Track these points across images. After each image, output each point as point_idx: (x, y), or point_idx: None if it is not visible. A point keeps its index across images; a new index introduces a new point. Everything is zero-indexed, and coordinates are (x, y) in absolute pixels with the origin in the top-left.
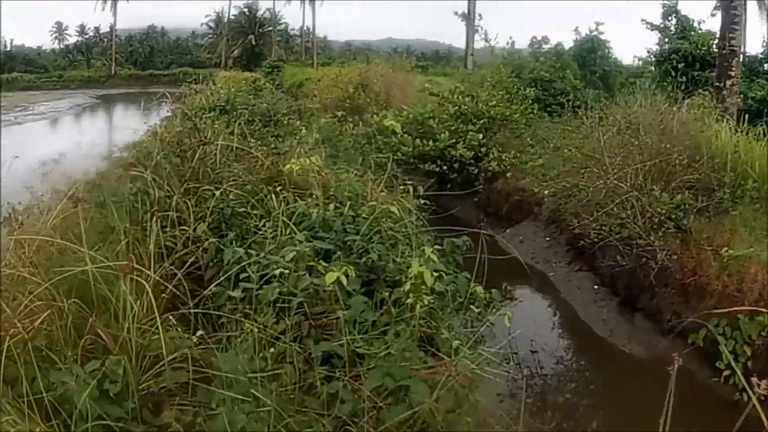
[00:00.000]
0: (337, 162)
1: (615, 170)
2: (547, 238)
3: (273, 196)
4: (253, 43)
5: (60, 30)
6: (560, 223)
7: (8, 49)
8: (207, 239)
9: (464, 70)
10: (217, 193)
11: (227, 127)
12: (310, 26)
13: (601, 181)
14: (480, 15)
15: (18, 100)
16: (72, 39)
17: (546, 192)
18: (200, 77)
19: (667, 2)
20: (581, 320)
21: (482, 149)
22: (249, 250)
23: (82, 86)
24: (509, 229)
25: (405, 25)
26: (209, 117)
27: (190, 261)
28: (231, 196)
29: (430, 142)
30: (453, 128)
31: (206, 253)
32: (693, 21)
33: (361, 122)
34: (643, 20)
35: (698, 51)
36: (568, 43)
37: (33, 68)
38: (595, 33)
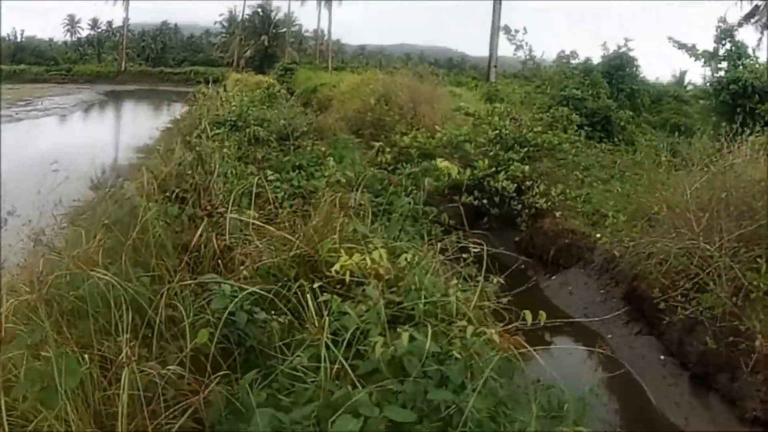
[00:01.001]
0: (384, 224)
1: (699, 227)
2: (601, 291)
3: (309, 296)
4: (266, 44)
5: (72, 23)
6: (616, 273)
7: (18, 40)
8: (210, 377)
9: (482, 81)
10: (227, 285)
11: (238, 149)
12: (324, 29)
13: (689, 242)
14: (525, 29)
15: (24, 94)
16: (84, 32)
17: (598, 236)
18: (210, 79)
19: (722, 25)
20: (651, 402)
21: (527, 182)
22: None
23: (90, 81)
24: (555, 275)
25: (418, 31)
26: (218, 134)
27: None
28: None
29: (467, 171)
30: (491, 154)
31: (210, 408)
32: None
33: (386, 141)
34: (670, 38)
35: (759, 81)
36: (594, 59)
37: (43, 60)
38: (623, 49)
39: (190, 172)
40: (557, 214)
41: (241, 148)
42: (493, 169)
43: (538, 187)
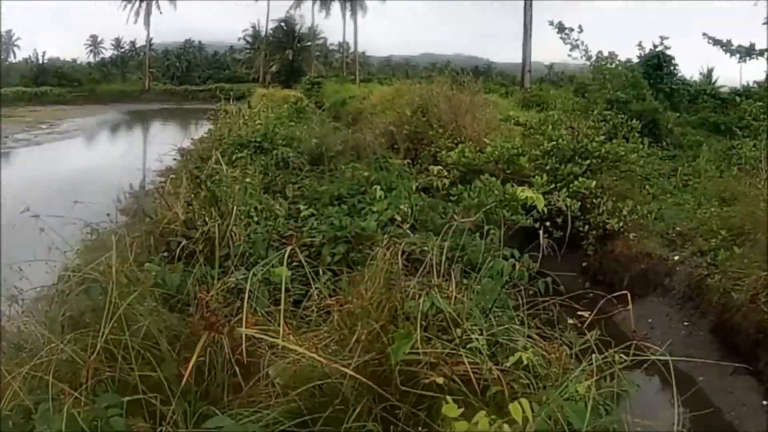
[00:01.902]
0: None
1: None
2: (685, 323)
3: None
4: (291, 58)
5: (95, 43)
6: (701, 302)
7: (41, 62)
8: None
9: (513, 87)
10: None
11: (264, 176)
12: (349, 41)
13: None
14: (580, 27)
15: (45, 116)
16: (108, 52)
17: (676, 257)
18: (233, 96)
19: None
20: None
21: (593, 199)
22: None
23: (114, 101)
24: (631, 306)
25: (442, 40)
26: (240, 158)
27: None
28: None
29: (529, 191)
30: (548, 168)
31: None
32: None
33: (427, 156)
34: (705, 35)
35: None
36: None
37: (66, 81)
38: (660, 48)
39: (201, 215)
40: (631, 236)
41: (268, 173)
42: (553, 185)
43: (605, 204)
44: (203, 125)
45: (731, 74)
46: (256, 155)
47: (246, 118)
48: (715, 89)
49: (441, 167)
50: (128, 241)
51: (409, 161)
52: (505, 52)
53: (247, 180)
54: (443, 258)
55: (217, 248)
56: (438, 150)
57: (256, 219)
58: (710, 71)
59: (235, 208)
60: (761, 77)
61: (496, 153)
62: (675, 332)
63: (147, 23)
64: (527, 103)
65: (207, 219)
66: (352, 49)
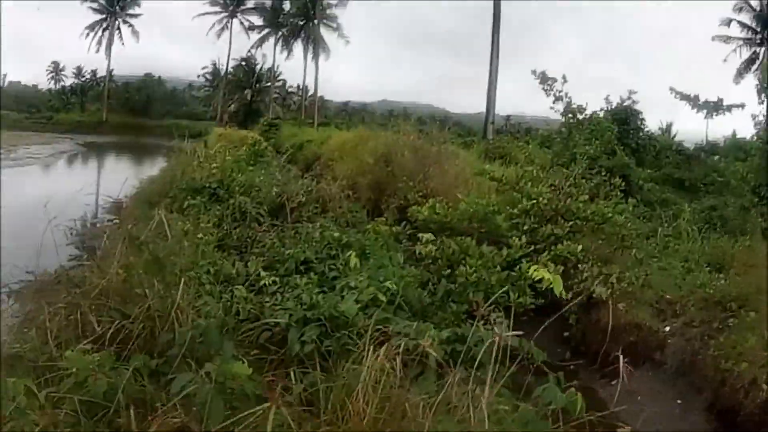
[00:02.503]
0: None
1: None
2: (678, 401)
3: None
4: (250, 98)
5: (56, 70)
6: (696, 378)
7: (1, 85)
8: None
9: (472, 138)
10: None
11: (218, 228)
12: (309, 83)
13: None
14: (564, 77)
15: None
16: (69, 80)
17: (667, 329)
18: (188, 133)
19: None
20: None
21: (578, 264)
22: None
23: (71, 130)
24: (617, 380)
25: (399, 88)
26: (194, 206)
27: None
28: None
29: (503, 251)
30: (525, 228)
31: None
32: None
33: (389, 209)
34: (672, 89)
35: None
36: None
37: (25, 107)
38: (628, 102)
39: (141, 284)
40: (620, 305)
41: (223, 225)
42: (531, 247)
43: (590, 269)
44: (159, 162)
45: (692, 128)
46: (211, 203)
47: (201, 159)
48: (680, 145)
49: (428, 234)
50: (47, 316)
51: (369, 213)
52: (462, 103)
53: (200, 235)
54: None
55: (159, 330)
56: (403, 204)
57: (208, 288)
58: (669, 126)
59: (182, 278)
60: (728, 132)
61: (471, 210)
62: (667, 411)
63: (108, 54)
64: (489, 155)
65: (147, 290)
66: (311, 92)
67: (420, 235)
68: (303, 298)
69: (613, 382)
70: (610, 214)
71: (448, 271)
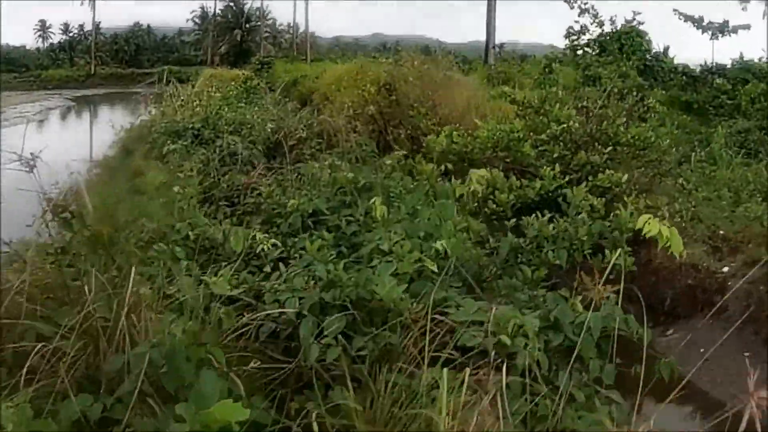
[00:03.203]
0: None
1: None
2: (746, 353)
3: None
4: (240, 39)
5: (44, 28)
6: (762, 326)
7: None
8: None
9: (476, 66)
10: None
11: (205, 175)
12: (299, 21)
13: None
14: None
15: None
16: (57, 37)
17: (726, 270)
18: (180, 78)
19: None
20: None
21: (624, 196)
22: None
23: (60, 86)
24: (673, 329)
25: (392, 21)
26: (174, 150)
27: None
28: None
29: (536, 183)
30: (555, 157)
31: None
32: None
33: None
34: (675, 11)
35: None
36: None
37: (14, 67)
38: (634, 22)
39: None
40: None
41: (210, 172)
42: (566, 178)
43: (635, 202)
44: (151, 110)
45: (691, 54)
46: (195, 147)
47: (183, 100)
48: (686, 67)
49: (478, 172)
50: None
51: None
52: (455, 32)
53: (176, 188)
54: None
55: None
56: (413, 134)
57: (185, 264)
58: (666, 49)
59: (132, 264)
60: (735, 56)
61: (493, 137)
62: (735, 366)
63: (92, 6)
64: (492, 81)
65: (87, 288)
66: (301, 29)
67: (472, 171)
68: (317, 272)
69: (668, 332)
70: (653, 139)
71: (513, 220)
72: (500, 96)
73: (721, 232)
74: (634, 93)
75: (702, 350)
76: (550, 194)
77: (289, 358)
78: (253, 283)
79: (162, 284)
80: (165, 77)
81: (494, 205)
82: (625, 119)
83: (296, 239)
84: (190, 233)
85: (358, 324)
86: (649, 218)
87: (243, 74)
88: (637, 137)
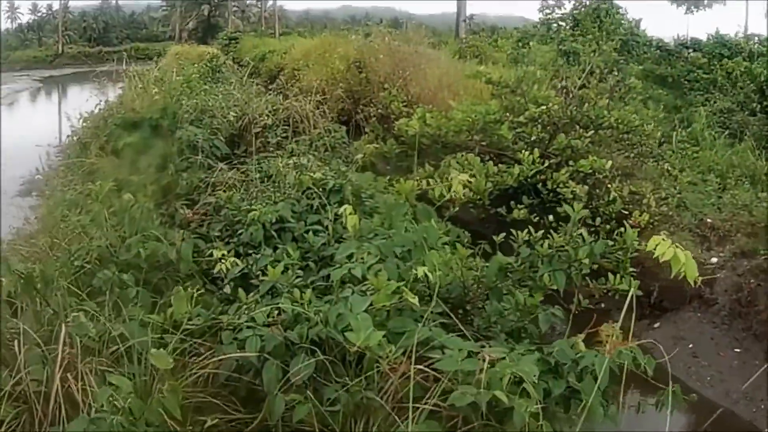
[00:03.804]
0: None
1: None
2: (736, 349)
3: None
4: (208, 13)
5: (12, 9)
6: (754, 320)
7: None
8: None
9: (445, 39)
10: None
11: (161, 171)
12: None
13: None
14: None
15: None
16: (26, 18)
17: (715, 261)
18: (147, 55)
19: None
20: None
21: (607, 183)
22: None
23: (27, 67)
24: (659, 322)
25: None
26: (129, 144)
27: None
28: None
29: (515, 169)
30: (533, 140)
31: None
32: None
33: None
34: None
35: None
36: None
37: None
38: None
39: None
40: (662, 233)
41: (168, 170)
42: (545, 163)
43: (619, 189)
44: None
45: (665, 29)
46: (153, 139)
47: (142, 85)
48: (661, 41)
49: (462, 176)
50: None
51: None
52: (424, 4)
53: (127, 196)
54: None
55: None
56: (384, 113)
57: (135, 293)
58: (638, 22)
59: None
60: (710, 30)
61: (469, 120)
62: (725, 362)
63: None
64: (464, 55)
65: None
66: (270, 3)
67: (454, 173)
68: (281, 303)
69: (655, 325)
70: (637, 122)
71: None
72: (475, 76)
73: (709, 220)
74: (615, 72)
75: (690, 345)
76: (529, 179)
77: (254, 400)
78: (208, 318)
79: (104, 328)
80: (129, 56)
81: (471, 193)
82: (607, 101)
83: (258, 255)
84: (141, 250)
85: (328, 360)
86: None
87: (209, 52)
88: (621, 121)
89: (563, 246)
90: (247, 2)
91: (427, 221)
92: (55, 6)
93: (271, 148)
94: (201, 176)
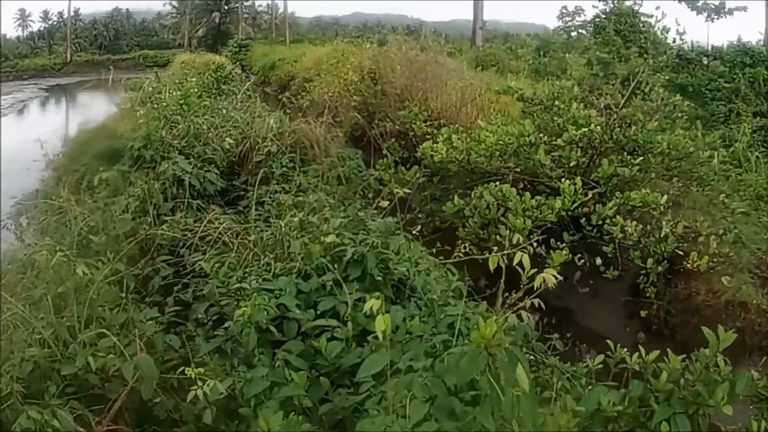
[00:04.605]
0: None
1: None
2: None
3: None
4: (218, 21)
5: (23, 17)
6: None
7: None
8: None
9: (461, 47)
10: None
11: (140, 217)
12: (278, 3)
13: None
14: None
15: None
16: (37, 26)
17: None
18: (156, 63)
19: None
20: None
21: (660, 218)
22: None
23: (36, 75)
24: None
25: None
26: (105, 182)
27: None
28: None
29: (555, 201)
30: (571, 165)
31: None
32: None
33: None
34: None
35: None
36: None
37: None
38: (631, 2)
39: None
40: (724, 279)
41: (149, 212)
42: (589, 195)
43: (673, 225)
44: (116, 99)
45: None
46: (136, 172)
47: (131, 103)
48: (681, 48)
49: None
50: None
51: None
52: (436, 11)
53: (80, 270)
54: None
55: None
56: (401, 131)
57: None
58: (666, 29)
59: None
60: (731, 38)
61: (502, 143)
62: None
63: None
64: (480, 64)
65: None
66: (280, 10)
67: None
68: None
69: None
70: (692, 149)
71: None
72: (505, 92)
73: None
74: (657, 88)
75: (752, 406)
76: (569, 213)
77: None
78: None
79: None
80: (138, 63)
81: (507, 230)
82: (656, 122)
83: (249, 374)
84: (90, 360)
85: None
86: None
87: (215, 61)
88: (673, 146)
89: (689, 380)
90: (258, 9)
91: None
92: (66, 13)
93: (276, 180)
94: (187, 223)
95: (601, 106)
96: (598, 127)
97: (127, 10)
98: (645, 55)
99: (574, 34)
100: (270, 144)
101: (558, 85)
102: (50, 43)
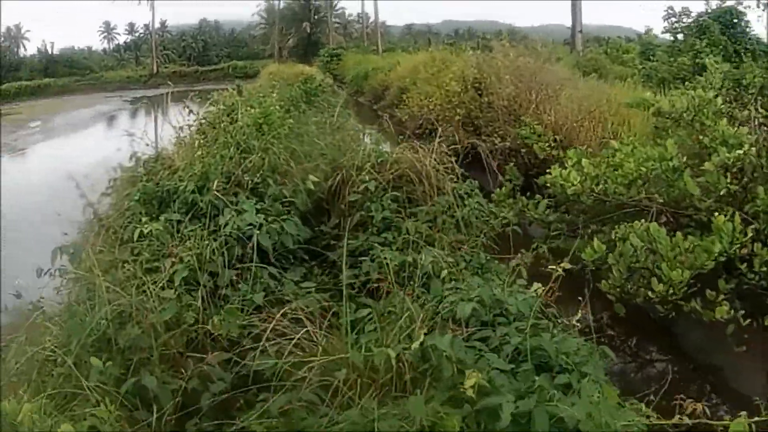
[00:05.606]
0: None
1: None
2: None
3: None
4: (309, 31)
5: (108, 29)
6: None
7: (50, 53)
8: None
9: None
10: None
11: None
12: (368, 11)
13: None
14: None
15: (42, 110)
16: (122, 38)
17: None
18: (246, 73)
19: None
20: None
21: None
22: None
23: (121, 87)
24: None
25: (462, 6)
26: (148, 236)
27: None
28: None
29: (714, 243)
30: (722, 194)
31: None
32: None
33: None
34: None
35: None
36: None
37: (77, 71)
38: (733, 3)
39: None
40: None
41: (201, 286)
42: (748, 234)
43: None
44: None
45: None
46: (189, 224)
47: (198, 128)
48: None
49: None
50: None
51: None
52: (527, 15)
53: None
54: None
55: None
56: (512, 148)
57: None
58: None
59: None
60: None
61: (643, 169)
62: None
63: (152, 6)
64: (582, 70)
65: None
66: (371, 18)
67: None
68: None
69: None
70: None
71: None
72: (638, 104)
73: None
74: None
75: None
76: (725, 255)
77: None
78: None
79: None
80: (227, 74)
81: (659, 287)
82: None
83: None
84: None
85: None
86: None
87: (303, 72)
88: None
89: None
90: (349, 18)
91: None
92: (151, 26)
93: (376, 228)
94: (257, 304)
95: (755, 122)
96: (753, 149)
97: (216, 21)
98: (739, 58)
99: (680, 36)
100: (368, 179)
101: (698, 96)
102: (137, 55)
